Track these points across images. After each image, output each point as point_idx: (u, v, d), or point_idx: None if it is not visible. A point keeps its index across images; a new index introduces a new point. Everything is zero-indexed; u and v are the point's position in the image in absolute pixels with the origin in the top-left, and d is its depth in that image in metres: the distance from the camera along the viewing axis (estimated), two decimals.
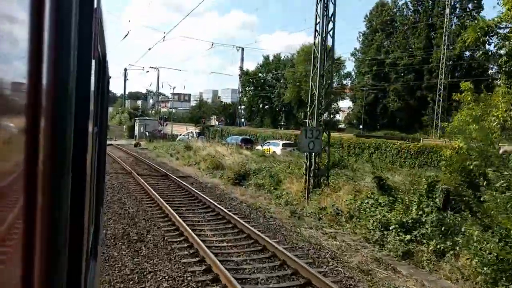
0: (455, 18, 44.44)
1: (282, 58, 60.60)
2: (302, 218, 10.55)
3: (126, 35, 40.79)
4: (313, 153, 12.37)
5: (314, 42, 13.20)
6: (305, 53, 47.14)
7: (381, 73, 48.81)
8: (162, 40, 36.22)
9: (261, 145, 30.59)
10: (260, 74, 64.74)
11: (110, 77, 4.01)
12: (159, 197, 11.79)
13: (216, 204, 11.00)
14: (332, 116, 48.50)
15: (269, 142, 31.08)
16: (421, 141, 30.54)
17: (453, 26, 43.41)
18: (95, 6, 1.23)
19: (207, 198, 11.86)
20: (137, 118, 45.23)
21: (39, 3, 0.65)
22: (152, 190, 12.99)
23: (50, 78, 0.70)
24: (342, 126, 55.03)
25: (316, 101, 12.72)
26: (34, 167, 0.65)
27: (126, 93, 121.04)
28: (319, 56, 12.72)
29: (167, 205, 10.63)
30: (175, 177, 16.17)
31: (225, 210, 10.41)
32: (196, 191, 13.05)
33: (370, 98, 49.47)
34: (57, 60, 0.75)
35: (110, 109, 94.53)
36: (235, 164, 16.96)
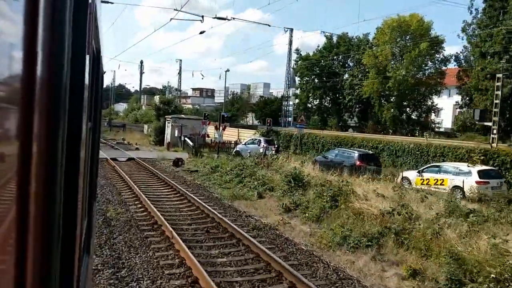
0: None
1: (352, 38, 48.98)
2: None
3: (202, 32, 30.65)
4: None
5: None
6: (393, 29, 38.13)
7: None
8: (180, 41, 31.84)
9: (418, 173, 18.22)
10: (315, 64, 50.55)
11: (105, 72, 3.99)
12: None
13: None
14: (425, 115, 41.24)
15: (437, 167, 17.88)
16: None
17: None
18: (90, 1, 1.22)
19: None
20: (170, 117, 35.08)
21: None
22: None
23: (43, 73, 0.71)
24: (442, 129, 43.94)
25: None
26: (28, 162, 0.65)
27: (134, 88, 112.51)
28: None
29: None
30: None
31: None
32: None
33: (507, 90, 30.41)
34: (51, 55, 0.75)
35: (124, 105, 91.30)
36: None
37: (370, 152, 23.36)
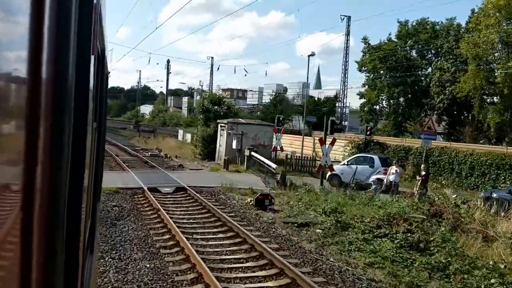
0: None
1: (433, 24, 42.11)
2: None
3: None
4: None
5: None
6: (499, 9, 29.94)
7: None
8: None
9: None
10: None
11: (109, 72, 4.01)
12: None
13: None
14: None
15: None
16: None
17: None
18: (95, 1, 1.23)
19: None
20: (225, 122, 27.15)
21: None
22: None
23: (49, 74, 0.72)
24: None
25: None
26: (33, 162, 0.66)
27: (160, 89, 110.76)
28: None
29: None
30: None
31: None
32: None
33: None
34: (57, 55, 0.76)
35: (150, 107, 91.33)
36: None
37: None
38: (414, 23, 41.49)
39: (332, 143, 19.38)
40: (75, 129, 1.16)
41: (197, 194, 15.43)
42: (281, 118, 28.53)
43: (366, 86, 42.87)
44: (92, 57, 1.49)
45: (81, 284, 1.55)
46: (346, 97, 44.53)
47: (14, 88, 0.68)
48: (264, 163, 21.49)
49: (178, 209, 13.84)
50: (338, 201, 14.90)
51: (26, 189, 0.73)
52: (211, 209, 13.34)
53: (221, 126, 27.48)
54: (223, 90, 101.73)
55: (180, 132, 47.00)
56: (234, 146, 25.05)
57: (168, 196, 15.81)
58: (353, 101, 49.73)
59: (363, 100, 43.84)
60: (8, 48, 0.63)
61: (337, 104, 45.64)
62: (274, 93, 50.60)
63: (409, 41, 40.77)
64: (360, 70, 43.31)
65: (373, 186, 18.55)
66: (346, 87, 43.99)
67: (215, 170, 23.48)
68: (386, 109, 43.18)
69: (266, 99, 63.08)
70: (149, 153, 31.11)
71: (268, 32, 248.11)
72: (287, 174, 19.93)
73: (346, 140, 30.64)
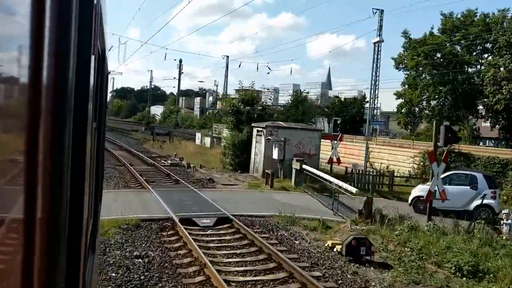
0: None
1: (484, 16, 38.96)
2: None
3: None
4: None
5: None
6: None
7: None
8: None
9: None
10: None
11: (109, 72, 4.00)
12: None
13: None
14: None
15: None
16: None
17: None
18: (95, 2, 1.24)
19: None
20: (262, 125, 22.87)
21: None
22: None
23: (49, 74, 0.72)
24: None
25: None
26: (35, 162, 0.66)
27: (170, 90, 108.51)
28: None
29: None
30: None
31: None
32: None
33: None
34: (57, 55, 0.76)
35: (161, 109, 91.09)
36: None
37: None
38: (459, 16, 38.47)
39: (445, 158, 14.30)
40: (75, 128, 1.16)
41: (248, 230, 11.64)
42: (338, 122, 25.41)
43: (406, 85, 38.92)
44: (93, 57, 1.49)
45: (83, 284, 1.56)
46: (377, 97, 40.32)
47: (14, 88, 0.68)
48: (332, 182, 15.94)
49: (230, 259, 9.79)
50: (470, 249, 10.54)
51: (28, 189, 0.74)
52: (279, 260, 9.38)
53: (257, 131, 23.08)
54: (237, 90, 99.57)
55: (198, 135, 43.04)
56: (275, 155, 20.64)
57: (209, 231, 11.93)
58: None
59: (399, 101, 40.16)
60: (9, 48, 0.63)
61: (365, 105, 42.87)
62: (294, 93, 46.00)
63: (457, 35, 37.30)
64: (397, 68, 39.45)
65: (507, 222, 13.13)
66: (377, 87, 39.44)
67: (254, 187, 19.19)
68: (426, 111, 38.86)
69: (282, 100, 60.47)
70: (168, 161, 27.19)
71: (278, 33, 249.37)
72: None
73: (415, 150, 25.89)
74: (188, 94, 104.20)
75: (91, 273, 2.16)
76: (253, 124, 24.27)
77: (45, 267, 0.88)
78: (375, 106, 39.88)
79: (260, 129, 22.82)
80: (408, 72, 38.94)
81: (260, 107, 28.09)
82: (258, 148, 22.80)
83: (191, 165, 25.23)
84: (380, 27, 37.36)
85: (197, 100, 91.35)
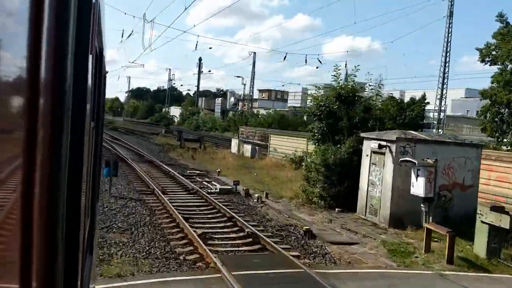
0: None
1: None
2: None
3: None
4: None
5: None
6: None
7: None
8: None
9: None
10: None
11: (107, 72, 4.00)
12: None
13: None
14: None
15: None
16: None
17: None
18: (93, 1, 1.23)
19: None
20: (387, 139, 13.99)
21: None
22: None
23: (47, 73, 0.71)
24: None
25: None
26: (32, 162, 0.65)
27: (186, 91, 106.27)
28: None
29: None
30: None
31: None
32: None
33: None
34: (54, 55, 0.76)
35: (179, 110, 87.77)
36: None
37: None
38: None
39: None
40: (73, 128, 1.16)
41: None
42: None
43: (495, 83, 28.46)
44: (90, 57, 1.49)
45: (81, 284, 1.55)
46: (446, 98, 34.06)
47: (12, 87, 0.68)
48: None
49: None
50: None
51: (25, 189, 0.73)
52: None
53: (376, 146, 14.31)
54: (261, 91, 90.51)
55: (234, 142, 34.80)
56: (418, 190, 12.09)
57: None
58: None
59: (485, 102, 29.64)
60: (7, 48, 0.63)
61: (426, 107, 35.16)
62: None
63: None
64: (482, 61, 29.95)
65: None
66: (446, 86, 33.02)
67: (403, 255, 10.39)
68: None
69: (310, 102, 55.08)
70: (217, 185, 18.16)
71: (294, 35, 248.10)
72: None
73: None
74: (206, 94, 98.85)
75: (89, 274, 2.16)
76: (363, 135, 15.59)
77: (43, 267, 0.88)
78: (442, 108, 33.51)
79: (383, 143, 14.05)
80: (500, 67, 28.67)
81: (362, 107, 18.54)
82: (375, 174, 14.37)
83: (250, 193, 17.04)
84: (451, 13, 31.94)
85: (218, 101, 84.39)
